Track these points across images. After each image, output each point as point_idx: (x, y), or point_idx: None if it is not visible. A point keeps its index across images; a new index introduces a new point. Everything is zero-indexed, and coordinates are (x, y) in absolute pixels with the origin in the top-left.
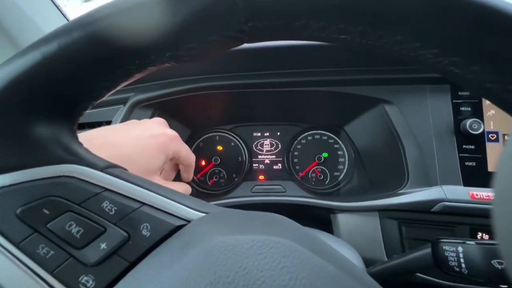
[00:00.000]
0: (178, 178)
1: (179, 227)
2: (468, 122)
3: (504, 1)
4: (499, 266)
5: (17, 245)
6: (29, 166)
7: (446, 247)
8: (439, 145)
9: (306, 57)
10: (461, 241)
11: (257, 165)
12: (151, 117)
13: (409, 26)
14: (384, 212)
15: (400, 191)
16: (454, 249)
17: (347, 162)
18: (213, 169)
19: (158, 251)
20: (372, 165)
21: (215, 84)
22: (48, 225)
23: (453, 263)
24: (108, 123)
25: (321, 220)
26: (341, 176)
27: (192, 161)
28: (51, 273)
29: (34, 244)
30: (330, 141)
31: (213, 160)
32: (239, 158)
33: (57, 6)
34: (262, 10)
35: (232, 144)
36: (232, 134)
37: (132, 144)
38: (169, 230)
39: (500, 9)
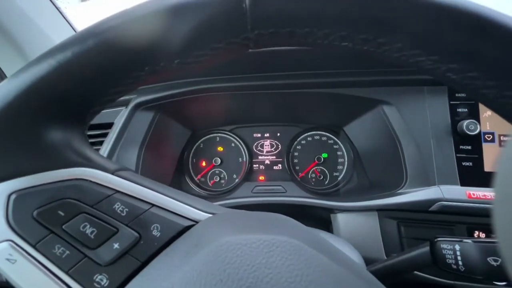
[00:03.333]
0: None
1: (188, 228)
2: (465, 123)
3: (498, 12)
4: (494, 263)
5: (34, 246)
6: (43, 170)
7: (443, 246)
8: (437, 146)
9: (306, 60)
10: (458, 239)
11: (257, 165)
12: (153, 119)
13: (409, 34)
14: (383, 212)
15: (399, 191)
16: (452, 247)
17: (346, 163)
18: (213, 170)
19: (168, 251)
20: (371, 165)
21: (216, 86)
22: (63, 226)
23: (450, 261)
24: (110, 125)
25: (321, 219)
26: (341, 176)
27: None
28: (66, 272)
29: (50, 245)
30: (329, 141)
31: (213, 161)
32: (240, 159)
33: (57, 9)
34: (267, 19)
35: (233, 145)
36: (232, 135)
37: None
38: (178, 231)
39: (495, 19)
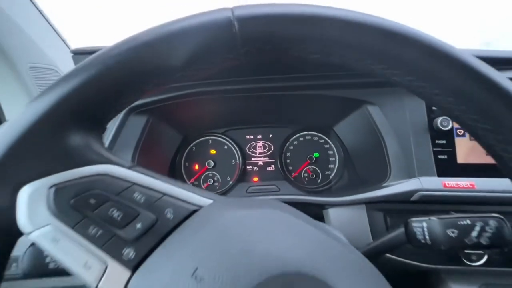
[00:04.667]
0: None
1: (195, 211)
2: (439, 120)
3: (483, 64)
4: (453, 235)
5: (72, 228)
6: (73, 167)
7: (414, 224)
8: (416, 141)
9: (294, 64)
10: (426, 218)
11: (250, 167)
12: (146, 123)
13: (363, 50)
14: (371, 204)
15: (384, 184)
16: (421, 224)
17: (337, 161)
18: (206, 173)
19: (180, 229)
20: (360, 162)
21: (208, 90)
22: (94, 212)
23: (419, 237)
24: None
25: (315, 216)
26: (332, 175)
27: None
28: (100, 247)
29: (85, 227)
30: (320, 141)
31: (206, 164)
32: (233, 161)
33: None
34: (252, 39)
35: (225, 147)
36: (224, 137)
37: None
38: (187, 213)
39: (477, 69)
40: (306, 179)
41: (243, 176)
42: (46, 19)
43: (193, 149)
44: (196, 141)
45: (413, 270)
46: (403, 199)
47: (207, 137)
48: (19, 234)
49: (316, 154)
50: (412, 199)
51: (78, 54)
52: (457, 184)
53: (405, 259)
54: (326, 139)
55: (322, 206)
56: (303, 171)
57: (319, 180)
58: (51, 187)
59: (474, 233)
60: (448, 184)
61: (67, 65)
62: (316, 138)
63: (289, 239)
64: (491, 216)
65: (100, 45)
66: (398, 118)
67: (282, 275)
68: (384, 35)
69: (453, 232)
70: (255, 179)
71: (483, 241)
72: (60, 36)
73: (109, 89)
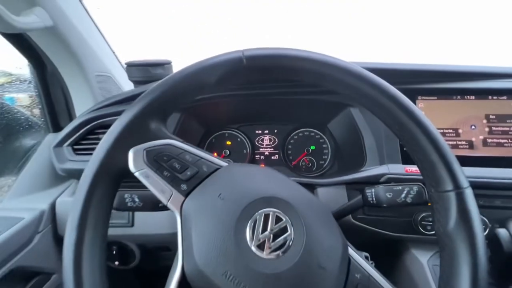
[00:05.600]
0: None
1: (218, 168)
2: None
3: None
4: (389, 196)
5: (155, 171)
6: (153, 140)
7: (367, 191)
8: (386, 136)
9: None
10: (375, 186)
11: (258, 156)
12: (180, 118)
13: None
14: (350, 185)
15: (361, 170)
16: (370, 190)
17: (330, 153)
18: (223, 160)
19: (210, 176)
20: (346, 153)
21: (227, 94)
22: (166, 163)
23: (370, 199)
24: None
25: None
26: (325, 164)
27: None
28: (169, 183)
29: (161, 171)
30: (316, 136)
31: (223, 153)
32: (244, 150)
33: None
34: (255, 67)
35: (239, 139)
36: (238, 131)
37: None
38: (214, 169)
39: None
40: (303, 167)
41: (252, 163)
42: (101, 33)
43: (213, 140)
44: (215, 134)
45: (384, 238)
46: (374, 180)
47: (224, 131)
48: (130, 173)
49: (313, 147)
50: (380, 180)
51: (131, 66)
52: (416, 170)
53: (378, 229)
54: (321, 134)
55: (313, 186)
56: (301, 161)
57: (314, 168)
58: (144, 149)
59: (403, 195)
60: (409, 169)
61: (119, 73)
62: (313, 134)
63: (271, 181)
64: (415, 184)
65: (148, 58)
66: (373, 118)
67: (265, 197)
68: (326, 66)
69: (390, 194)
70: (262, 165)
71: (408, 200)
72: (110, 47)
73: (173, 97)
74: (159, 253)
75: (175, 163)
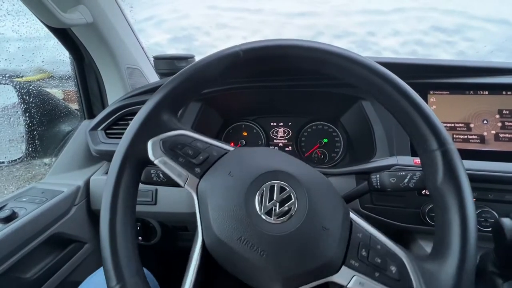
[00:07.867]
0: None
1: (226, 152)
2: None
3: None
4: (393, 181)
5: (171, 158)
6: (168, 131)
7: (372, 176)
8: (396, 129)
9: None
10: (381, 172)
11: (272, 147)
12: (200, 107)
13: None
14: (359, 175)
15: (371, 161)
16: (375, 176)
17: (342, 146)
18: None
19: (220, 160)
20: (358, 146)
21: (244, 86)
22: (180, 151)
23: (374, 184)
24: None
25: None
26: (337, 156)
27: None
28: (184, 167)
29: (176, 157)
30: (329, 130)
31: (239, 143)
32: (259, 141)
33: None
34: (251, 59)
35: (254, 131)
36: (254, 123)
37: None
38: (223, 153)
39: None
40: (316, 159)
41: None
42: (132, 29)
43: (230, 131)
44: (233, 125)
45: (391, 228)
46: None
47: (241, 123)
48: (150, 161)
49: (325, 140)
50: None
51: (158, 59)
52: None
53: (386, 218)
54: (334, 128)
55: (325, 175)
56: (313, 153)
57: (326, 160)
58: (160, 140)
59: (406, 180)
60: (417, 161)
61: (146, 66)
62: (326, 127)
63: (275, 158)
64: (418, 170)
65: (174, 53)
66: (384, 111)
67: (270, 171)
68: (311, 51)
69: (393, 179)
70: None
71: (411, 185)
72: (140, 43)
73: (182, 91)
74: (178, 232)
75: (188, 150)
